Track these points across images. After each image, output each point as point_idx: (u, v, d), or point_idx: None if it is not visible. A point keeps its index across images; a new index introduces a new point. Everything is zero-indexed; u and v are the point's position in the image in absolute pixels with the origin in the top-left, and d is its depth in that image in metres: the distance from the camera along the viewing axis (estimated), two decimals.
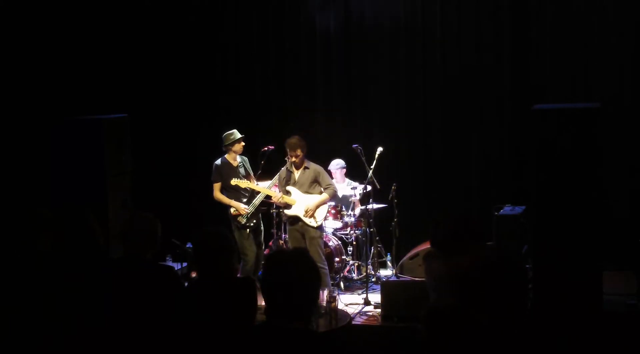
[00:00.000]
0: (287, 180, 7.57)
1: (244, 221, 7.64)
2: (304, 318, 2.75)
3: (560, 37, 8.59)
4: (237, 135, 7.72)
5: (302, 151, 7.38)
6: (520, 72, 8.75)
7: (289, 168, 7.56)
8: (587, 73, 8.53)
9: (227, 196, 7.73)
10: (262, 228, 7.95)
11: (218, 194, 7.76)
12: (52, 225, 4.03)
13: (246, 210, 7.64)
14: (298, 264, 2.75)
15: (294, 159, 7.40)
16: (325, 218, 7.69)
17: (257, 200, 7.70)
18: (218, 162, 7.78)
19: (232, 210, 7.69)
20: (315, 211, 7.42)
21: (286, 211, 7.57)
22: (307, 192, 7.48)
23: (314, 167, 7.54)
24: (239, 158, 7.82)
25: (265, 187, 7.78)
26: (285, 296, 2.71)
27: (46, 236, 3.98)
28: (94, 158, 6.95)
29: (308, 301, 2.75)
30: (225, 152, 7.78)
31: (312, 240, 7.44)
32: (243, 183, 7.62)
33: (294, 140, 7.40)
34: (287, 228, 7.71)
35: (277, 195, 7.54)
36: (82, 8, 9.31)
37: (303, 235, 7.50)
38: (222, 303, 3.76)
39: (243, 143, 7.77)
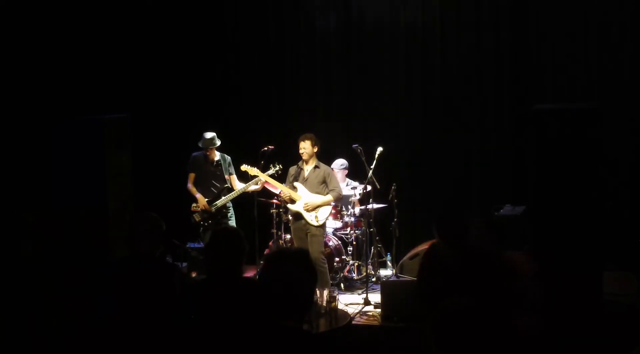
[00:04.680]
0: (296, 177, 7.64)
1: (197, 219, 7.75)
2: (298, 316, 2.77)
3: (560, 37, 8.59)
4: (215, 142, 7.78)
5: (312, 144, 7.47)
6: (520, 72, 8.76)
7: (300, 165, 7.65)
8: (587, 73, 8.53)
9: (197, 190, 7.86)
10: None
11: (190, 184, 7.91)
12: (36, 228, 4.04)
13: (206, 206, 7.70)
14: (294, 263, 2.78)
15: (302, 150, 7.47)
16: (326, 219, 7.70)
17: (221, 202, 7.74)
18: (196, 153, 7.93)
19: (193, 205, 7.80)
20: (315, 207, 7.46)
21: (289, 206, 7.62)
22: (314, 191, 7.52)
23: (324, 167, 7.65)
24: (218, 155, 7.88)
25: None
26: (280, 294, 2.73)
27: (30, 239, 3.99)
28: (94, 158, 6.95)
29: (303, 300, 2.77)
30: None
31: (314, 237, 7.50)
32: (252, 171, 7.66)
33: (306, 133, 7.55)
34: (291, 227, 7.73)
35: (284, 189, 7.61)
36: (82, 8, 9.30)
37: (306, 234, 7.54)
38: (230, 304, 3.73)
39: (211, 153, 7.84)
